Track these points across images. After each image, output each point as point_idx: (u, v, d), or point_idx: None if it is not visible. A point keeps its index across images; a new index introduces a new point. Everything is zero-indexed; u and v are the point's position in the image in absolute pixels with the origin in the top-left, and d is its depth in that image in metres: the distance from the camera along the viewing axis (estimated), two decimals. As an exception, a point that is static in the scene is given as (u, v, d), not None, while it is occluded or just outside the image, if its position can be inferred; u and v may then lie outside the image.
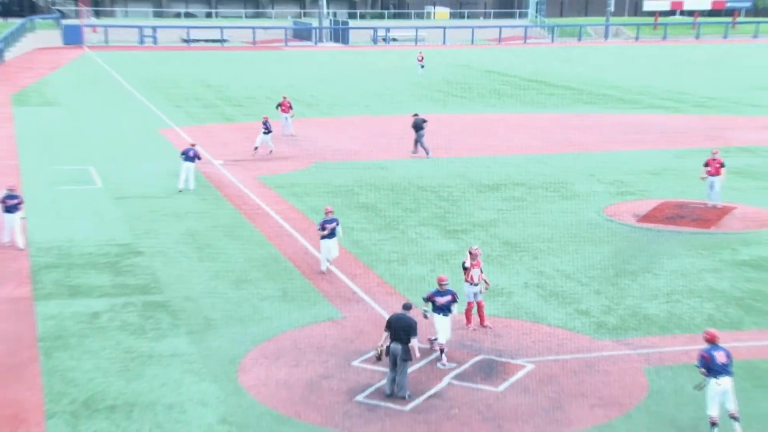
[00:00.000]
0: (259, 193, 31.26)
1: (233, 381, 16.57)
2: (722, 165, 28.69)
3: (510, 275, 22.56)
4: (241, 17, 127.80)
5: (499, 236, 26.05)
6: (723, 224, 27.47)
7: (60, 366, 17.11)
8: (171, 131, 44.37)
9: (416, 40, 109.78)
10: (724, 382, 14.37)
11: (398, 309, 16.48)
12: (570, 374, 16.86)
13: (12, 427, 14.85)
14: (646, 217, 28.09)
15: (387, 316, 16.90)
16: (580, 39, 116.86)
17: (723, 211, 28.49)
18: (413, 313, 16.19)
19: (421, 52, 76.14)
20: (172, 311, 19.99)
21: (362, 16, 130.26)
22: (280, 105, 43.06)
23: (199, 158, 31.92)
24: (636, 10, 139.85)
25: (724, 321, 19.55)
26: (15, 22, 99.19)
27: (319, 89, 62.35)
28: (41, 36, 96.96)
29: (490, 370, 17.01)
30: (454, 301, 17.48)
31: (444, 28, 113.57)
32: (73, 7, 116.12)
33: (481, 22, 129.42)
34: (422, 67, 72.03)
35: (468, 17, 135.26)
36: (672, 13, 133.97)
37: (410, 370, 16.14)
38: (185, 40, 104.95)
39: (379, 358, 16.32)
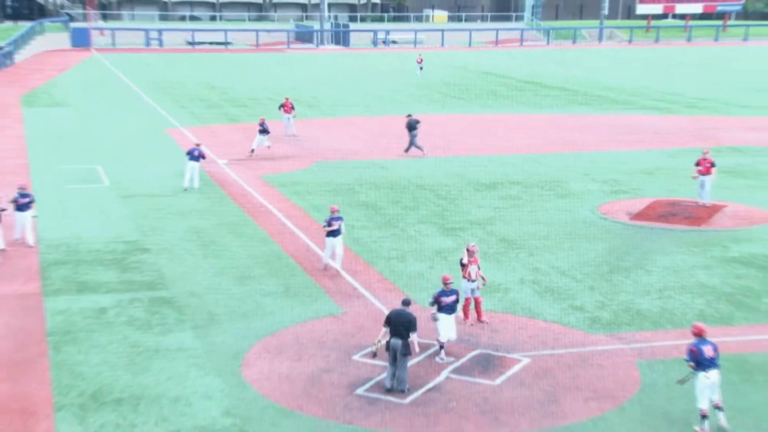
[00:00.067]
0: (262, 191, 31.51)
1: (237, 375, 16.74)
2: (713, 164, 28.90)
3: (506, 272, 22.77)
4: (244, 20, 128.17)
5: (496, 234, 26.29)
6: (714, 222, 27.69)
7: (68, 360, 17.29)
8: (177, 131, 44.67)
9: (415, 43, 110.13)
10: (713, 375, 14.56)
11: (398, 305, 16.63)
12: (565, 368, 17.05)
13: (22, 419, 15.06)
14: (639, 215, 28.30)
15: (387, 312, 17.06)
16: (574, 41, 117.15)
17: (714, 209, 28.67)
18: (412, 309, 16.35)
19: (420, 55, 76.34)
20: (177, 307, 20.20)
21: (363, 20, 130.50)
22: (282, 106, 43.35)
23: (203, 158, 32.20)
24: (629, 13, 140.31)
25: (715, 316, 19.75)
26: (25, 25, 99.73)
27: (321, 90, 62.53)
28: (50, 39, 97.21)
29: (487, 364, 17.18)
30: (458, 300, 17.73)
31: (442, 30, 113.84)
32: (81, 11, 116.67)
33: (478, 25, 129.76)
34: (421, 69, 72.28)
35: (465, 20, 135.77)
36: (664, 16, 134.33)
37: (409, 364, 16.29)
38: (190, 43, 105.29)
39: (374, 355, 16.52)
